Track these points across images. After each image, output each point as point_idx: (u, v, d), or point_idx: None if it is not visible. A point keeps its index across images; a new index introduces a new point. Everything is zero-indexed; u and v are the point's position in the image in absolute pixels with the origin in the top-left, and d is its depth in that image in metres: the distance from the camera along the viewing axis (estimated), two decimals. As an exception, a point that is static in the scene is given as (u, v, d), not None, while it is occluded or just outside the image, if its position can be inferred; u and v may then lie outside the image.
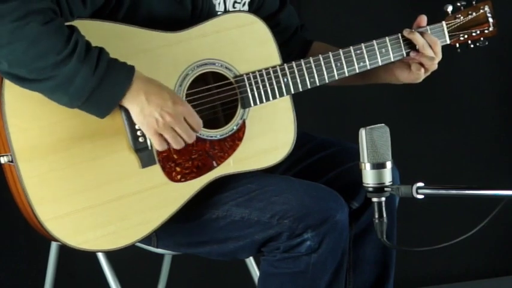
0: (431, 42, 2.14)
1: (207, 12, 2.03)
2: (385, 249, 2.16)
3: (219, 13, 2.09)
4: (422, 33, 2.14)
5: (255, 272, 2.44)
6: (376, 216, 1.73)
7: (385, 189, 1.72)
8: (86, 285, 3.00)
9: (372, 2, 3.21)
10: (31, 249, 2.96)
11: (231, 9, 2.12)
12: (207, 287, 3.22)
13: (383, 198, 1.73)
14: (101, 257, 2.10)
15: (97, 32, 1.84)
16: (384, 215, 1.73)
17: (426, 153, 3.31)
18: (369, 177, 1.72)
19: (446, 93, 3.20)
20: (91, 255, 2.11)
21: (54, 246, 2.24)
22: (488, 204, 1.63)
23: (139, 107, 1.83)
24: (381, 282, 2.18)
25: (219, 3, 2.10)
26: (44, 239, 2.19)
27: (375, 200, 1.73)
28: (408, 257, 2.87)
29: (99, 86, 1.77)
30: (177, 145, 1.88)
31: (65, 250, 2.18)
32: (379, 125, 1.72)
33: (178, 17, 1.97)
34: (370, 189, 1.73)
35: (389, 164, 1.72)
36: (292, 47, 2.07)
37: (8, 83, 1.79)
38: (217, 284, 3.20)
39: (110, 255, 2.10)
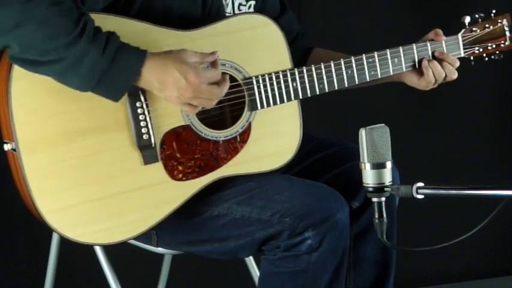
0: (453, 63, 2.14)
1: (217, 10, 2.03)
2: (385, 249, 2.16)
3: (227, 14, 2.09)
4: (440, 60, 2.14)
5: (255, 272, 2.44)
6: (376, 216, 1.74)
7: (385, 189, 1.72)
8: (86, 285, 3.00)
9: (372, 5, 3.21)
10: (31, 249, 2.96)
11: (236, 11, 2.12)
12: (207, 287, 3.22)
13: (383, 198, 1.73)
14: (101, 256, 2.10)
15: (108, 26, 1.84)
16: (384, 215, 1.73)
17: (426, 153, 3.31)
18: (369, 177, 1.72)
19: (446, 93, 3.20)
20: (91, 255, 2.11)
21: (54, 246, 2.25)
22: (488, 204, 1.63)
23: (157, 90, 1.84)
24: (381, 282, 2.19)
25: (228, 4, 2.10)
26: (44, 238, 2.20)
27: (375, 200, 1.73)
28: (408, 257, 2.87)
29: (109, 68, 1.77)
30: (209, 105, 1.89)
31: (66, 250, 2.19)
32: (379, 125, 1.72)
33: (191, 13, 1.98)
34: (370, 189, 1.73)
35: (389, 164, 1.72)
36: (292, 53, 2.08)
37: (15, 75, 1.80)
38: (217, 284, 3.21)
39: (110, 255, 2.11)
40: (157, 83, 1.83)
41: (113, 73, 1.78)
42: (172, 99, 1.86)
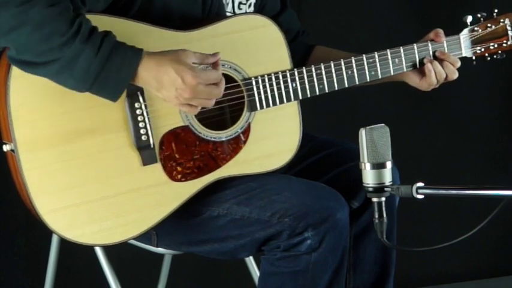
0: (454, 63, 2.14)
1: (217, 10, 2.03)
2: (385, 249, 2.16)
3: (228, 13, 2.09)
4: (441, 60, 2.13)
5: (255, 272, 2.44)
6: (376, 216, 1.74)
7: (385, 189, 1.72)
8: (85, 285, 3.00)
9: (372, 4, 3.21)
10: (31, 249, 2.96)
11: (236, 9, 2.12)
12: (207, 287, 3.22)
13: (383, 198, 1.73)
14: (101, 256, 2.11)
15: (104, 27, 1.83)
16: (384, 215, 1.73)
17: (426, 153, 3.31)
18: (369, 177, 1.72)
19: (446, 93, 3.19)
20: (91, 255, 2.11)
21: (54, 246, 2.25)
22: (488, 204, 1.63)
23: (155, 89, 1.83)
24: (381, 282, 2.18)
25: (228, 4, 2.10)
26: (44, 238, 2.20)
27: (375, 200, 1.73)
28: (408, 257, 2.87)
29: (103, 68, 1.77)
30: (209, 106, 1.88)
31: (65, 250, 2.19)
32: (379, 125, 1.72)
33: (191, 14, 1.98)
34: (370, 189, 1.73)
35: (389, 164, 1.72)
36: (293, 51, 2.08)
37: (14, 75, 1.80)
38: (217, 284, 3.21)
39: (110, 255, 2.11)
40: (155, 81, 1.82)
41: (108, 73, 1.78)
42: (171, 99, 1.85)
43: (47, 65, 1.76)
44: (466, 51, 2.20)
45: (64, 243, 1.92)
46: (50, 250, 2.26)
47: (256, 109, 2.01)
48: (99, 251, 2.10)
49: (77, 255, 2.40)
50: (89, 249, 2.01)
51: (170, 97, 1.84)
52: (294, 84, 2.04)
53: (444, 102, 3.28)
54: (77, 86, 1.79)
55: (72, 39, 1.74)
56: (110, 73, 1.78)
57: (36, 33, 1.73)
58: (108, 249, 2.08)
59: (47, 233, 1.91)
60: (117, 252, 2.05)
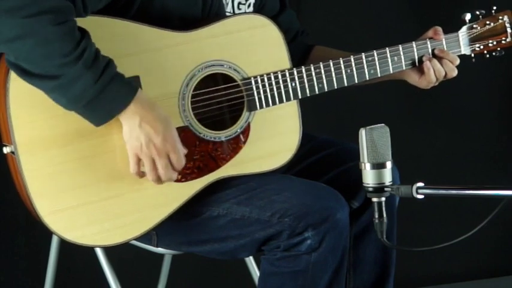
0: (453, 61, 2.14)
1: (217, 9, 2.03)
2: (385, 249, 2.16)
3: (227, 13, 2.09)
4: (440, 58, 2.14)
5: (255, 272, 2.44)
6: (376, 216, 1.74)
7: (385, 189, 1.72)
8: (85, 285, 3.00)
9: (371, 5, 3.21)
10: (31, 249, 2.96)
11: (236, 9, 2.12)
12: (207, 287, 3.22)
13: (383, 198, 1.73)
14: (101, 257, 2.11)
15: (107, 28, 1.84)
16: (384, 215, 1.73)
17: (426, 153, 3.31)
18: (369, 177, 1.72)
19: (446, 93, 3.20)
20: (91, 255, 2.11)
21: (54, 246, 2.25)
22: (488, 204, 1.63)
23: (130, 127, 1.83)
24: (381, 282, 2.18)
25: (227, 4, 2.10)
26: (44, 238, 2.20)
27: (374, 200, 1.73)
28: (408, 257, 2.87)
29: (97, 96, 1.77)
30: (151, 176, 1.86)
31: (66, 250, 2.19)
32: (379, 125, 1.72)
33: (191, 14, 1.98)
34: (370, 189, 1.73)
35: (389, 164, 1.72)
36: (293, 51, 2.08)
37: (13, 76, 1.80)
38: (217, 284, 3.21)
39: (110, 255, 2.11)
40: (138, 120, 1.81)
41: (100, 102, 1.78)
42: (133, 144, 1.83)
43: (43, 78, 1.75)
44: (465, 49, 2.21)
45: (64, 243, 1.92)
46: (50, 250, 2.26)
47: (255, 109, 2.01)
48: (99, 251, 2.10)
49: (77, 256, 2.40)
50: (89, 250, 2.00)
51: (136, 142, 1.83)
52: (293, 84, 2.04)
53: (444, 102, 3.28)
54: (66, 105, 1.79)
55: (74, 62, 1.74)
56: (101, 103, 1.78)
57: (39, 48, 1.72)
58: (108, 250, 2.08)
59: (47, 233, 1.91)
60: (118, 252, 2.05)
